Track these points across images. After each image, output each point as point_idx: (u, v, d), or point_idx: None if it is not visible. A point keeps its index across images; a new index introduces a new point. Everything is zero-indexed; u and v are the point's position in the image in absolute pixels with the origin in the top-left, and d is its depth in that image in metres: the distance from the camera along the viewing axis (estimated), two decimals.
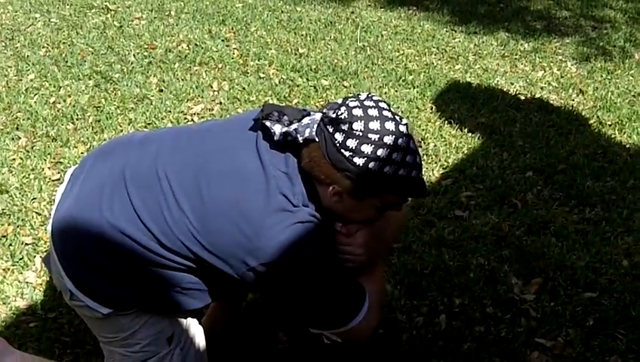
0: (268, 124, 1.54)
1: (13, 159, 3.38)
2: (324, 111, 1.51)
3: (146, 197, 1.58)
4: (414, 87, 4.18)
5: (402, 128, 1.48)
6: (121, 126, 3.69)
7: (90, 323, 1.78)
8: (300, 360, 2.28)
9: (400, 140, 1.46)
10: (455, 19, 5.32)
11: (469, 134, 3.66)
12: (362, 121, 1.45)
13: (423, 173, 3.26)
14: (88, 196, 1.65)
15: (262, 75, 4.31)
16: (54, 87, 4.11)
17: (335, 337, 1.80)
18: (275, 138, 1.52)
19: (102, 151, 1.78)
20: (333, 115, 1.47)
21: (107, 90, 4.06)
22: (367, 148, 1.44)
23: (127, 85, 4.11)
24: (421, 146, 3.55)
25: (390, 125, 1.46)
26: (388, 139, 1.45)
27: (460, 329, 2.39)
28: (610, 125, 3.83)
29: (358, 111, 1.46)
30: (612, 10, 5.64)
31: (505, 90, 4.23)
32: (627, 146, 3.61)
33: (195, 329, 1.84)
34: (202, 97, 4.02)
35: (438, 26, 5.19)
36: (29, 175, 3.24)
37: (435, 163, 3.39)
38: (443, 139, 3.60)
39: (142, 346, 1.73)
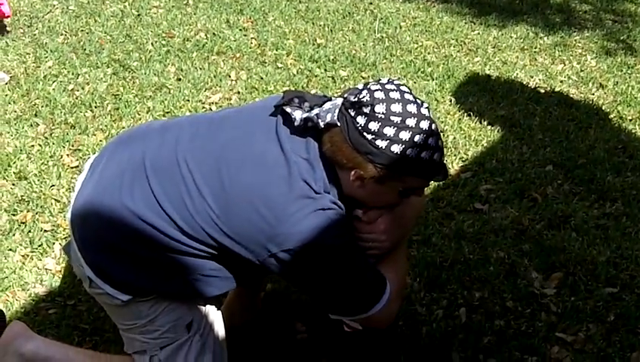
0: (288, 110, 1.53)
1: (32, 146, 3.39)
2: (345, 95, 1.51)
3: (166, 184, 1.58)
4: (433, 79, 4.16)
5: (424, 111, 1.48)
6: (139, 114, 3.69)
7: (110, 310, 1.79)
8: (319, 351, 2.27)
9: (422, 123, 1.46)
10: (474, 12, 5.28)
11: (489, 127, 3.63)
12: (384, 104, 1.44)
13: None
14: (108, 183, 1.65)
15: (279, 65, 4.30)
16: (73, 74, 4.11)
17: (356, 324, 1.80)
18: (296, 124, 1.52)
19: (121, 140, 1.78)
20: (355, 99, 1.47)
21: (125, 79, 4.07)
22: (389, 131, 1.44)
23: (145, 74, 4.11)
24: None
25: (412, 108, 1.46)
26: (410, 122, 1.44)
27: (480, 322, 2.38)
28: (630, 120, 3.79)
29: (379, 94, 1.46)
30: (632, 4, 5.58)
31: (524, 83, 4.19)
32: None
33: (215, 317, 1.83)
34: (220, 86, 4.01)
35: (457, 18, 5.15)
36: (47, 162, 3.25)
37: (455, 155, 3.37)
38: (462, 132, 3.58)
39: (161, 333, 1.73)
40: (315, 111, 1.51)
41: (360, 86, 1.53)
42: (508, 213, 2.95)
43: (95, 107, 3.75)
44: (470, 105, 3.86)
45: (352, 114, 1.46)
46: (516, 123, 3.70)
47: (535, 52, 4.64)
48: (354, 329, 1.82)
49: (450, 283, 2.55)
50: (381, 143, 1.45)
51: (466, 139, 3.52)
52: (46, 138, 3.46)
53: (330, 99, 1.54)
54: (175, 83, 4.03)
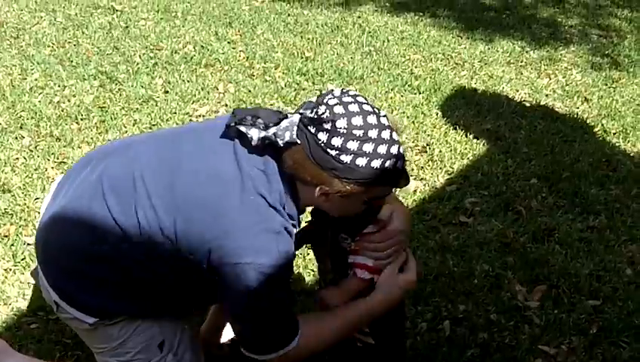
0: (243, 129, 1.49)
1: (17, 158, 3.38)
2: (301, 111, 1.48)
3: (122, 201, 1.56)
4: (420, 93, 4.18)
5: (384, 120, 1.48)
6: (125, 127, 3.69)
7: (81, 334, 1.78)
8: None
9: (384, 132, 1.46)
10: (461, 26, 5.32)
11: (474, 140, 3.65)
12: (345, 118, 1.43)
13: (428, 178, 3.28)
14: (68, 206, 1.63)
15: (268, 78, 4.31)
16: (59, 86, 4.11)
17: (369, 340, 1.79)
18: (253, 143, 1.48)
19: (83, 162, 1.75)
20: (313, 115, 1.44)
21: (112, 91, 4.07)
22: (353, 145, 1.43)
23: (132, 86, 4.11)
24: (426, 152, 3.54)
25: (372, 119, 1.45)
26: (372, 133, 1.44)
27: (464, 335, 2.38)
28: (614, 133, 3.82)
29: (339, 109, 1.44)
30: (617, 19, 5.64)
31: (510, 97, 4.22)
32: (631, 155, 3.61)
33: (188, 334, 1.81)
34: (208, 99, 4.02)
35: (444, 32, 5.19)
36: (32, 175, 3.24)
37: (440, 168, 3.39)
38: (448, 145, 3.59)
39: (133, 354, 1.72)
40: (273, 130, 1.48)
41: (314, 99, 1.50)
42: (492, 226, 2.96)
43: (81, 119, 3.74)
44: (456, 118, 3.88)
45: (313, 131, 1.44)
46: (502, 136, 3.73)
47: (521, 66, 4.68)
48: (366, 344, 1.82)
49: (434, 296, 2.56)
50: (346, 158, 1.43)
51: (452, 152, 3.54)
52: (31, 151, 3.44)
53: (286, 116, 1.51)
54: (162, 95, 4.03)
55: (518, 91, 4.31)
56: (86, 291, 1.62)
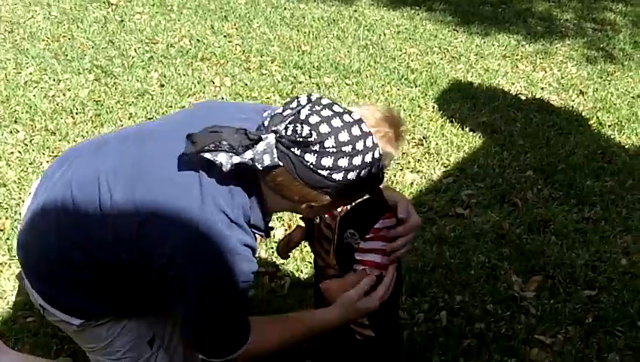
0: (209, 156, 1.39)
1: (12, 153, 3.37)
2: (274, 129, 1.39)
3: (88, 205, 1.54)
4: (416, 86, 4.18)
5: (364, 127, 1.44)
6: (121, 120, 3.68)
7: (71, 335, 1.77)
8: (295, 351, 2.27)
9: (367, 140, 1.43)
10: (457, 20, 5.32)
11: (471, 133, 3.66)
12: (332, 137, 1.37)
13: (425, 171, 3.29)
14: (42, 208, 1.62)
15: (264, 72, 4.31)
16: (54, 80, 4.10)
17: (369, 332, 1.80)
18: (225, 169, 1.39)
19: (59, 161, 1.73)
20: (296, 138, 1.37)
21: (107, 85, 4.06)
22: (343, 162, 1.39)
23: (127, 80, 4.10)
24: (422, 145, 3.55)
25: (356, 130, 1.41)
26: (359, 145, 1.41)
27: (461, 326, 2.39)
28: (609, 126, 3.84)
29: (324, 128, 1.37)
30: (612, 13, 5.65)
31: (506, 90, 4.23)
32: (626, 147, 3.62)
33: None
34: (204, 93, 4.01)
35: (440, 26, 5.19)
36: (27, 168, 3.23)
37: (437, 161, 3.39)
38: (444, 138, 3.60)
39: (123, 353, 1.71)
40: (249, 154, 1.39)
41: (283, 112, 1.42)
42: (489, 217, 2.97)
43: (76, 113, 3.73)
44: (452, 111, 3.89)
45: (298, 153, 1.37)
46: (497, 129, 3.73)
47: (517, 59, 4.69)
48: (366, 337, 1.82)
49: (431, 287, 2.57)
50: (337, 176, 1.39)
51: (448, 145, 3.54)
52: (26, 145, 3.43)
53: (259, 138, 1.39)
54: (158, 89, 4.03)
55: (513, 84, 4.31)
56: (66, 294, 1.61)
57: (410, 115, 3.83)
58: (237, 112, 1.63)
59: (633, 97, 4.19)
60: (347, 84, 4.18)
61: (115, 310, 1.66)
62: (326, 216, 1.77)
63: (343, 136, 1.38)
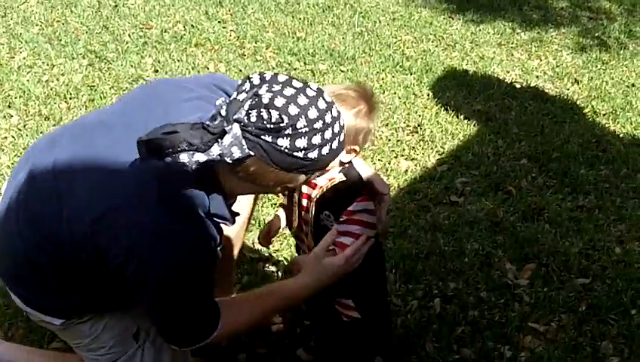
0: (168, 159, 1.32)
1: (5, 138, 3.35)
2: (236, 117, 1.32)
3: (42, 202, 1.52)
4: (411, 74, 4.17)
5: (326, 97, 1.40)
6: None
7: (56, 332, 1.77)
8: (292, 339, 2.28)
9: (333, 111, 1.39)
10: (453, 7, 5.31)
11: (465, 121, 3.66)
12: (303, 117, 1.32)
13: (419, 158, 3.29)
14: (7, 212, 1.61)
15: (259, 58, 4.28)
16: (47, 65, 4.06)
17: (356, 314, 1.80)
18: (190, 169, 1.33)
19: (22, 162, 1.70)
20: (264, 124, 1.31)
21: (101, 70, 4.03)
22: (317, 139, 1.36)
23: (121, 65, 4.07)
24: (417, 132, 3.55)
25: (321, 103, 1.37)
26: (328, 118, 1.37)
27: (454, 313, 2.40)
28: (604, 115, 3.84)
29: (293, 109, 1.32)
30: (608, 1, 5.64)
31: (501, 78, 4.23)
32: (621, 136, 3.63)
33: None
34: None
35: (435, 13, 5.17)
36: (20, 154, 3.20)
37: (431, 149, 3.39)
38: (439, 126, 3.60)
39: (107, 349, 1.71)
40: (216, 150, 1.32)
41: (244, 96, 1.34)
42: (483, 205, 2.97)
43: (70, 98, 3.71)
44: (447, 99, 3.89)
45: (269, 139, 1.32)
46: (492, 117, 3.73)
47: (512, 47, 4.68)
48: (352, 318, 1.83)
49: (425, 275, 2.57)
50: (312, 154, 1.36)
51: (443, 132, 3.54)
52: (19, 130, 3.41)
53: (223, 131, 1.31)
54: (152, 75, 4.00)
55: (508, 72, 4.31)
56: (41, 295, 1.61)
57: (405, 102, 3.82)
58: (183, 91, 1.58)
59: (628, 86, 4.20)
60: (342, 71, 4.17)
61: (91, 307, 1.65)
62: (303, 199, 1.78)
63: (312, 113, 1.34)
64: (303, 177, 1.44)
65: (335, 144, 1.41)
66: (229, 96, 1.45)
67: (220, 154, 1.32)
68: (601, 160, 3.37)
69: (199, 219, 1.46)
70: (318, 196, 1.74)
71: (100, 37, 4.45)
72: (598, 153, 3.44)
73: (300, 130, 1.33)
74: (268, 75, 1.37)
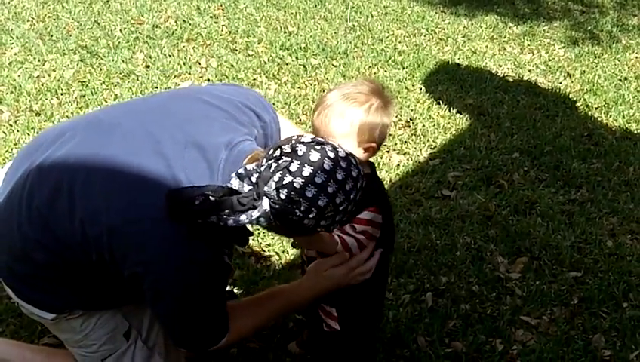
0: (214, 219, 1.38)
1: None
2: (266, 191, 1.36)
3: (51, 195, 1.51)
4: (404, 68, 4.17)
5: (353, 172, 1.41)
6: (106, 101, 3.64)
7: (48, 326, 1.76)
8: (281, 340, 2.28)
9: (358, 184, 1.43)
10: (445, 1, 5.30)
11: (457, 115, 3.65)
12: (330, 206, 1.37)
13: (411, 152, 3.29)
14: (6, 204, 1.61)
15: (250, 53, 4.27)
16: (39, 61, 4.04)
17: (335, 324, 1.79)
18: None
19: (20, 155, 1.70)
20: (293, 209, 1.36)
21: (92, 65, 4.01)
22: (339, 217, 1.42)
23: (113, 60, 4.05)
24: (409, 126, 3.54)
25: (349, 184, 1.40)
26: (352, 195, 1.42)
27: (446, 306, 2.40)
28: (596, 108, 3.84)
29: (322, 201, 1.36)
30: None
31: (493, 72, 4.23)
32: (613, 129, 3.64)
33: None
34: (190, 74, 3.97)
35: (427, 7, 5.17)
36: (11, 149, 3.19)
37: (423, 143, 3.39)
38: (431, 120, 3.59)
39: (98, 346, 1.71)
40: (244, 219, 1.37)
41: (274, 167, 1.37)
42: (475, 199, 2.97)
43: (61, 94, 3.69)
44: (440, 93, 3.88)
45: (296, 219, 1.38)
46: (484, 111, 3.73)
47: (504, 41, 4.68)
48: (332, 329, 1.81)
49: (417, 269, 2.57)
50: (333, 226, 1.45)
51: (435, 126, 3.54)
52: (10, 125, 3.39)
53: (253, 206, 1.36)
54: (143, 70, 3.98)
55: (501, 66, 4.31)
56: (35, 289, 1.60)
57: (397, 96, 3.81)
58: (211, 108, 1.59)
59: (620, 80, 4.20)
60: (334, 66, 4.16)
61: (85, 304, 1.64)
62: None
63: (339, 199, 1.39)
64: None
65: (351, 207, 1.45)
66: (256, 115, 1.60)
67: (248, 222, 1.38)
68: (593, 153, 3.38)
69: (217, 234, 1.47)
70: None
71: (92, 32, 4.43)
72: (590, 146, 3.45)
73: (325, 214, 1.38)
74: (300, 150, 1.37)
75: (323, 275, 1.70)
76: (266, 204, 1.36)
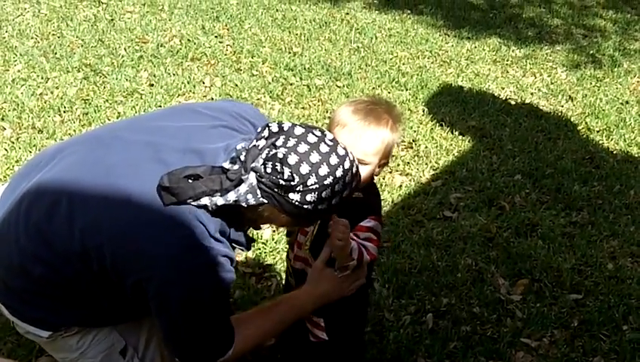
0: (194, 204, 1.41)
1: None
2: (253, 166, 1.39)
3: (52, 222, 1.50)
4: (407, 90, 4.19)
5: (340, 150, 1.45)
6: (109, 119, 3.66)
7: (43, 346, 1.75)
8: (283, 358, 2.26)
9: (345, 163, 1.45)
10: (448, 24, 5.34)
11: (460, 137, 3.66)
12: (313, 175, 1.39)
13: (414, 173, 3.29)
14: (3, 220, 1.60)
15: (255, 73, 4.30)
16: (42, 78, 4.07)
17: (323, 335, 1.78)
18: (212, 209, 1.43)
19: (21, 172, 1.69)
20: (277, 179, 1.38)
21: (96, 83, 4.03)
22: (326, 193, 1.42)
23: (116, 79, 4.08)
24: (412, 148, 3.55)
25: (333, 159, 1.43)
26: (339, 172, 1.43)
27: (447, 328, 2.39)
28: (598, 131, 3.85)
29: (304, 168, 1.38)
30: (602, 19, 5.69)
31: (496, 94, 4.24)
32: (614, 152, 3.64)
33: (158, 334, 1.73)
34: (194, 93, 4.00)
35: (431, 30, 5.20)
36: (13, 167, 3.20)
37: (426, 164, 3.40)
38: (434, 141, 3.60)
39: None
40: (232, 196, 1.41)
41: (262, 144, 1.41)
42: (476, 220, 2.97)
43: (64, 112, 3.71)
44: (442, 115, 3.90)
45: (282, 193, 1.40)
46: (487, 133, 3.74)
47: (507, 64, 4.70)
48: (320, 340, 1.80)
49: (418, 290, 2.56)
50: (322, 206, 1.43)
51: (438, 148, 3.55)
52: (12, 142, 3.40)
53: (241, 180, 1.39)
54: (147, 88, 4.01)
55: (503, 89, 4.33)
56: (31, 305, 1.59)
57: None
58: (207, 118, 1.61)
59: (622, 103, 4.22)
60: (338, 87, 4.18)
61: (82, 320, 1.63)
62: None
63: (323, 170, 1.41)
64: (311, 220, 1.51)
65: (346, 192, 1.46)
66: (252, 125, 1.62)
67: (235, 200, 1.41)
68: (595, 176, 3.38)
69: (221, 240, 1.49)
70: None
71: (96, 50, 4.46)
72: (592, 169, 3.45)
73: (310, 187, 1.40)
74: (286, 126, 1.44)
75: (324, 280, 1.70)
76: (252, 178, 1.40)
